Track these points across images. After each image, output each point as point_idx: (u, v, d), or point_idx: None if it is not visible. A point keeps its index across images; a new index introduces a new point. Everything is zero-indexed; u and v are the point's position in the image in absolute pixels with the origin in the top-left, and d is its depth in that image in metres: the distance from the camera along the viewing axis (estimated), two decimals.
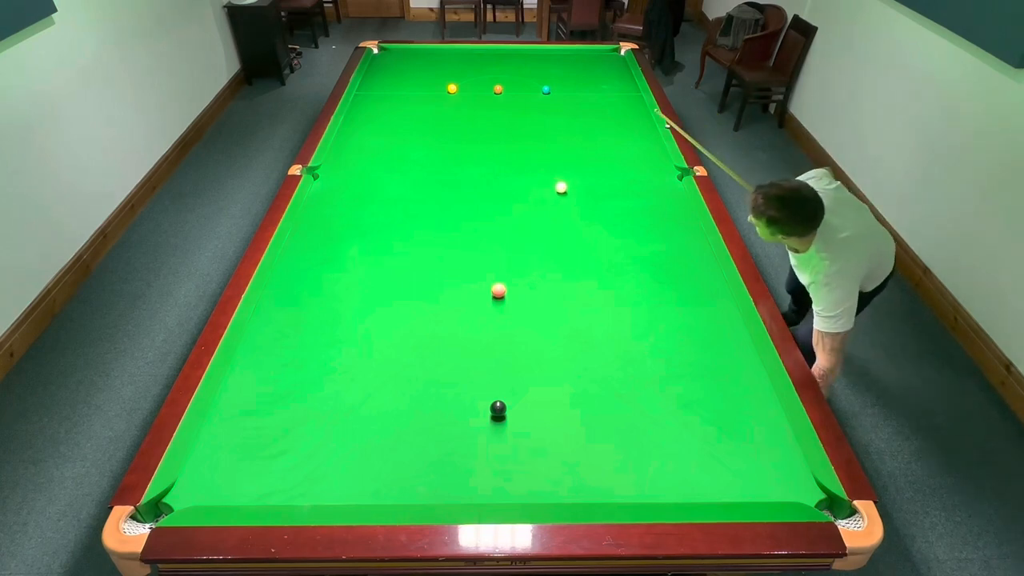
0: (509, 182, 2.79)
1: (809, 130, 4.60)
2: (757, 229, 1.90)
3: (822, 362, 1.95)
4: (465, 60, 4.03)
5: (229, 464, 1.60)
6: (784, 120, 4.95)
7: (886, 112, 3.69)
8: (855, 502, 1.49)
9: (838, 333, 1.89)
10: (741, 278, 2.20)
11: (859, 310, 2.09)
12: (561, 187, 2.71)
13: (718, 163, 2.47)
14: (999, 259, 2.83)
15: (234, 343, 1.93)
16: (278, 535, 1.40)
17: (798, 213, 1.80)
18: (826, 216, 1.85)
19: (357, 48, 4.13)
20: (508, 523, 1.44)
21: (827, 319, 1.90)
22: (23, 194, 2.90)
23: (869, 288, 2.17)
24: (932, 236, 3.28)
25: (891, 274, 2.21)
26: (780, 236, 1.86)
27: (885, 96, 3.70)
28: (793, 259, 2.03)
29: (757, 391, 1.82)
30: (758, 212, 1.83)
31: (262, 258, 2.25)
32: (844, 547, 1.40)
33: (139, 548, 1.38)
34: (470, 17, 7.10)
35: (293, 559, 1.37)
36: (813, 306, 1.95)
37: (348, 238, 2.43)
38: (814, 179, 2.06)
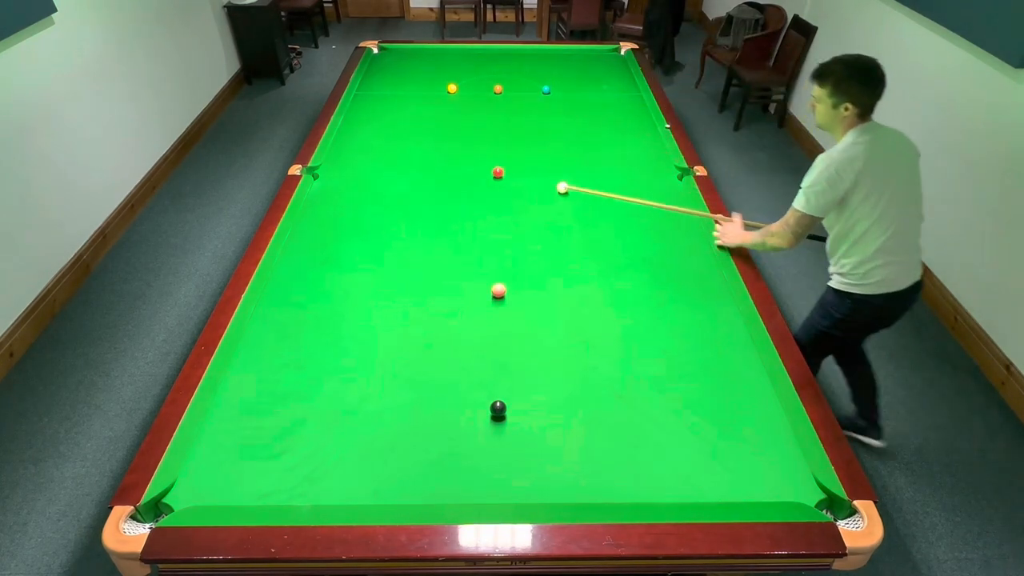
0: (509, 182, 2.79)
1: (809, 130, 4.60)
2: (813, 99, 1.97)
3: (774, 227, 2.09)
4: (465, 60, 4.02)
5: (229, 464, 1.60)
6: (784, 120, 4.95)
7: (886, 112, 3.66)
8: (855, 502, 1.49)
9: (799, 212, 1.97)
10: (741, 278, 2.20)
11: (858, 328, 2.18)
12: (562, 187, 2.71)
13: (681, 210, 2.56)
14: (999, 259, 2.83)
15: (234, 343, 1.93)
16: (278, 535, 1.40)
17: (858, 73, 1.87)
18: (878, 131, 1.92)
19: (357, 48, 4.13)
20: (508, 523, 1.44)
21: (800, 192, 1.97)
22: (23, 194, 2.90)
23: (870, 287, 2.01)
24: (932, 236, 3.28)
25: (904, 300, 2.07)
26: (833, 99, 1.89)
27: (885, 96, 3.69)
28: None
29: (757, 391, 1.82)
30: (824, 68, 1.91)
31: (262, 258, 2.25)
32: (844, 547, 1.40)
33: (139, 548, 1.38)
34: (470, 17, 7.10)
35: (293, 559, 1.37)
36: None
37: (348, 238, 2.43)
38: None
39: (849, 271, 2.02)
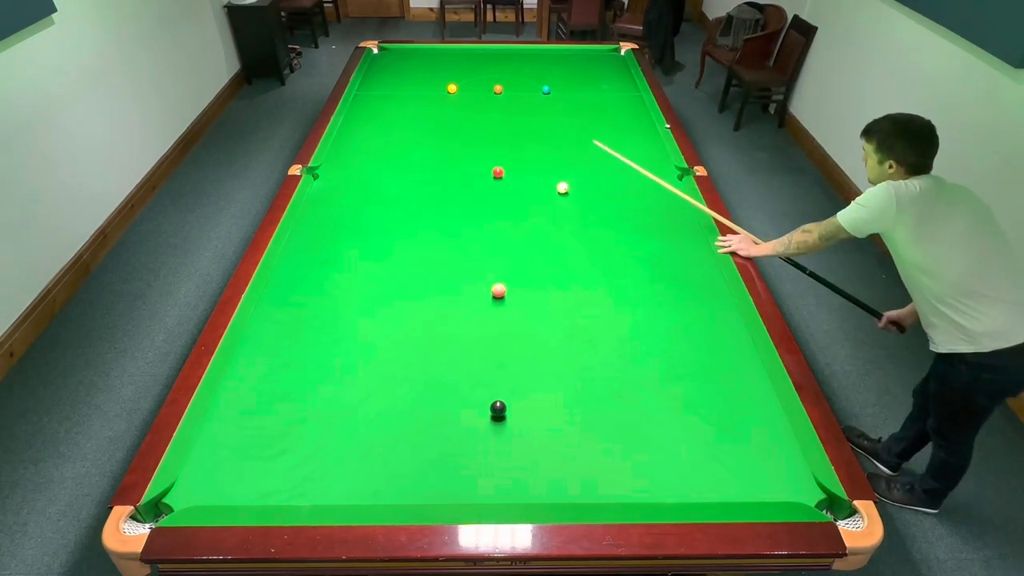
0: (509, 182, 2.79)
1: (809, 130, 4.60)
2: (864, 152, 1.93)
3: (808, 225, 2.06)
4: (465, 60, 4.03)
5: (229, 464, 1.60)
6: (784, 120, 4.95)
7: (886, 112, 3.68)
8: (855, 502, 1.49)
9: (836, 221, 1.92)
10: (741, 278, 2.21)
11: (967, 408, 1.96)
12: (562, 187, 2.71)
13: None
14: None
15: (234, 343, 1.93)
16: (278, 535, 1.40)
17: (905, 132, 1.83)
18: (936, 180, 1.82)
19: (357, 48, 4.13)
20: (508, 523, 1.44)
21: (849, 206, 1.90)
22: (23, 194, 2.90)
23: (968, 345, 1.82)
24: None
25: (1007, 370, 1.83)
26: (879, 154, 1.86)
27: (885, 96, 3.70)
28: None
29: (757, 391, 1.82)
30: (873, 125, 1.90)
31: (262, 258, 2.25)
32: (844, 547, 1.40)
33: (139, 548, 1.38)
34: (470, 17, 7.10)
35: (293, 559, 1.37)
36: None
37: (348, 238, 2.43)
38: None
39: (951, 328, 1.84)
